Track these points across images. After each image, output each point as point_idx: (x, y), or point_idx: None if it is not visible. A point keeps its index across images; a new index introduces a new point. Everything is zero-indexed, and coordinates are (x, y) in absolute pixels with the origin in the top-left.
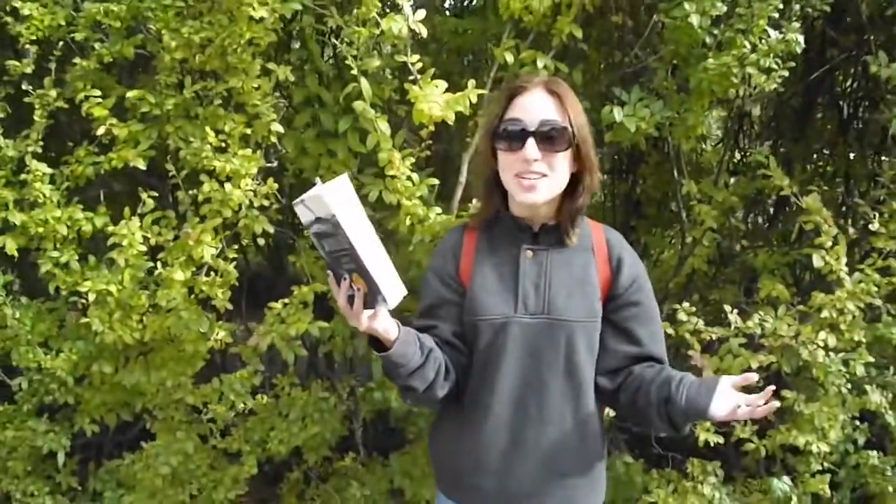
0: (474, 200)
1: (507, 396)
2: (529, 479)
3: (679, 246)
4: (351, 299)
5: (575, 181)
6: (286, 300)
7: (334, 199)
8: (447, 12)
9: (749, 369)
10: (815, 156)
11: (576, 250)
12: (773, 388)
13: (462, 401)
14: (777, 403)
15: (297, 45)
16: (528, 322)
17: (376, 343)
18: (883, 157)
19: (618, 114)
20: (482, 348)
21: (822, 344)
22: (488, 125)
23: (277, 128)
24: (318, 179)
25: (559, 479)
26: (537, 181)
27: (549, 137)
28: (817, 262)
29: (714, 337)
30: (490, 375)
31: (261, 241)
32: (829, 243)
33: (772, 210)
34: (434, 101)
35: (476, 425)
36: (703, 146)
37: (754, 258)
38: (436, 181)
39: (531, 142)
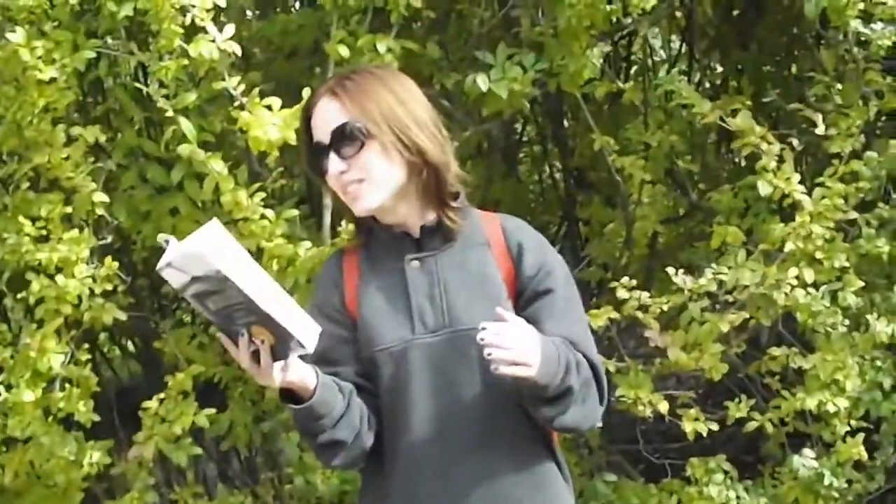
0: (343, 222)
1: (427, 430)
2: None
3: (623, 212)
4: (255, 355)
5: (418, 172)
6: (161, 395)
7: (212, 251)
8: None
9: (726, 338)
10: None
11: (468, 247)
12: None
13: (382, 450)
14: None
15: (105, 97)
16: (431, 341)
17: (291, 398)
18: (821, 43)
19: (482, 82)
20: (387, 382)
21: (796, 283)
22: (303, 158)
23: (101, 197)
24: (164, 238)
25: None
26: (357, 189)
27: (343, 142)
28: (763, 188)
29: (665, 308)
30: (402, 411)
31: (125, 341)
32: (773, 163)
33: (717, 143)
34: (268, 123)
35: (400, 474)
36: (622, 85)
37: (718, 202)
38: (295, 213)
39: (332, 156)
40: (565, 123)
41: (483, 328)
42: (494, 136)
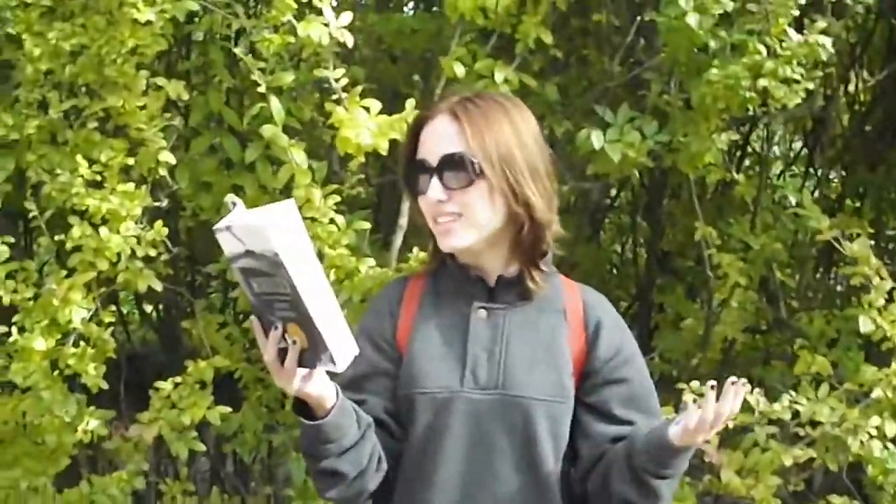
0: (415, 249)
1: (451, 493)
2: None
3: (706, 310)
4: (282, 353)
5: (517, 223)
6: (178, 379)
7: (278, 232)
8: (391, 7)
9: (785, 471)
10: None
11: (542, 311)
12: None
13: (392, 500)
14: (743, 388)
15: (193, 54)
16: (478, 398)
17: (303, 409)
18: None
19: (597, 140)
20: (420, 430)
21: (875, 433)
22: (400, 169)
23: (168, 157)
24: (231, 200)
25: None
26: (451, 223)
27: (451, 171)
28: (865, 325)
29: (731, 425)
30: (428, 465)
31: (147, 307)
32: (882, 301)
33: (818, 260)
34: (363, 125)
35: None
36: (735, 176)
37: (808, 324)
38: (367, 225)
39: (434, 182)
40: (664, 201)
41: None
42: (589, 197)
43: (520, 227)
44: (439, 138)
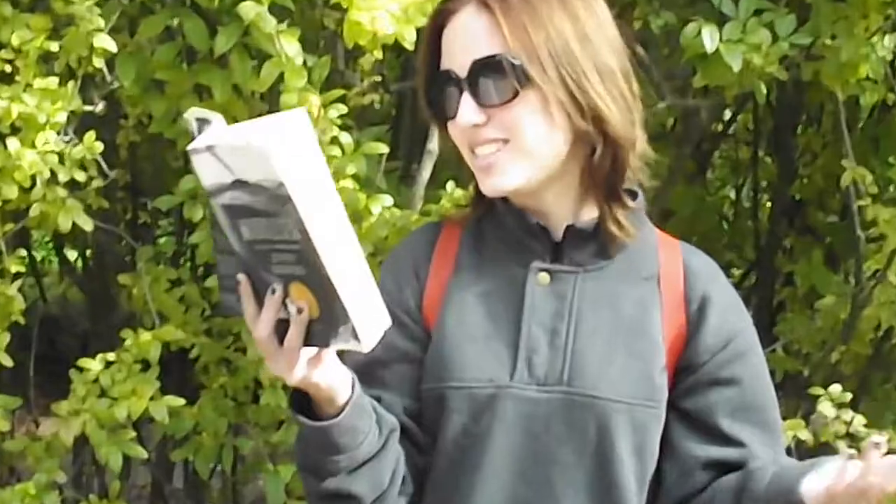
0: (449, 184)
1: None
2: None
3: (853, 284)
4: (280, 326)
5: (588, 144)
6: (111, 356)
7: (285, 153)
8: None
9: None
10: None
11: (628, 277)
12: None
13: None
14: None
15: None
16: (535, 397)
17: (305, 406)
18: None
19: (709, 39)
20: (453, 438)
21: None
22: (419, 85)
23: (106, 43)
24: (195, 115)
25: None
26: (495, 155)
27: (488, 82)
28: None
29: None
30: (464, 486)
31: (70, 253)
32: None
33: None
34: (382, 6)
35: None
36: None
37: None
38: (383, 148)
39: (466, 99)
40: (798, 130)
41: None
42: (694, 120)
43: (590, 151)
44: (467, 38)
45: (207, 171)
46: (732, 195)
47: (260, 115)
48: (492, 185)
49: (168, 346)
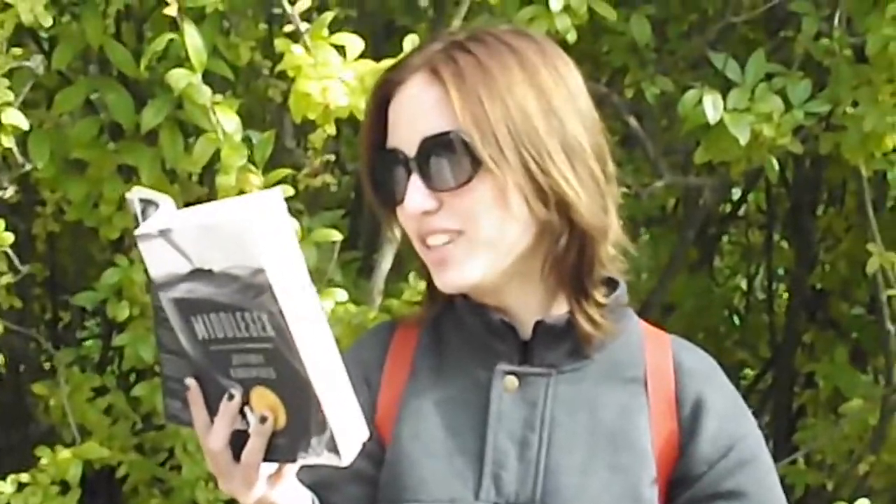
0: (412, 277)
1: None
2: None
3: (883, 385)
4: (238, 439)
5: (553, 234)
6: (23, 476)
7: (267, 241)
8: None
9: None
10: None
11: (608, 378)
12: None
13: None
14: None
15: None
16: None
17: None
18: None
19: (712, 108)
20: None
21: None
22: (363, 166)
23: (17, 119)
24: (139, 196)
25: None
26: (448, 248)
27: (438, 163)
28: None
29: None
30: None
31: None
32: None
33: None
34: (334, 75)
35: None
36: None
37: None
38: (337, 235)
39: (414, 182)
40: (818, 210)
41: None
42: (697, 200)
43: (555, 240)
44: (416, 113)
45: (158, 260)
46: (744, 285)
47: (199, 200)
48: (446, 281)
49: (91, 465)
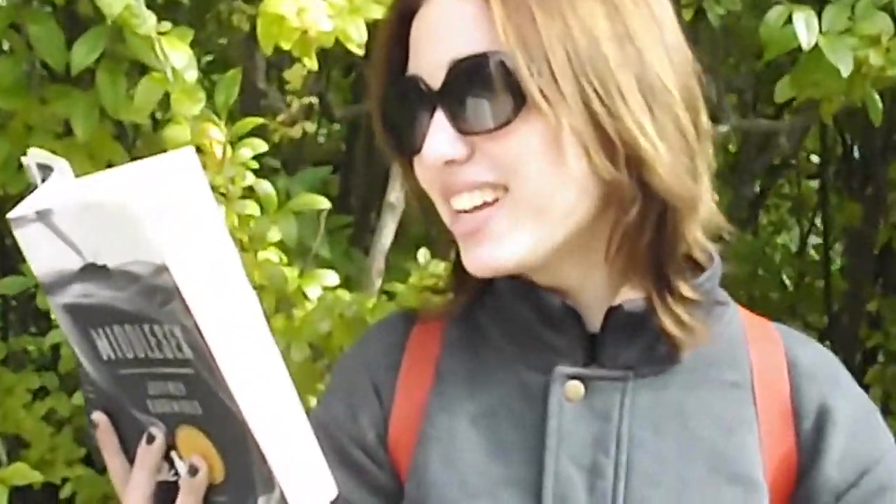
0: (421, 253)
1: None
2: None
3: None
4: (168, 493)
5: (623, 200)
6: None
7: (167, 221)
8: None
9: None
10: None
11: (705, 383)
12: None
13: None
14: None
15: None
16: None
17: None
18: None
19: (804, 29)
20: None
21: None
22: (374, 100)
23: None
24: (37, 159)
25: None
26: (479, 212)
27: (471, 96)
28: None
29: None
30: None
31: None
32: None
33: None
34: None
35: None
36: None
37: None
38: (323, 203)
39: (439, 121)
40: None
41: None
42: (760, 147)
43: (626, 207)
44: (445, 30)
45: (41, 253)
46: (794, 245)
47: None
48: (479, 260)
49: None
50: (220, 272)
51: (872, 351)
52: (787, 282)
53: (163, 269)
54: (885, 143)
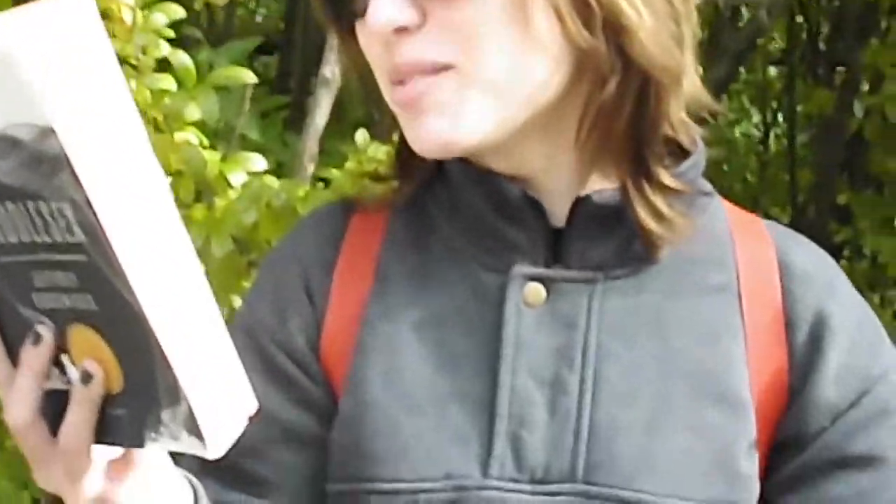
0: (360, 134)
1: None
2: None
3: None
4: (57, 402)
5: (598, 73)
6: None
7: (55, 74)
8: None
9: None
10: None
11: (684, 287)
12: None
13: None
14: None
15: None
16: (528, 502)
17: None
18: None
19: None
20: None
21: None
22: None
23: None
24: None
25: None
26: (431, 87)
27: None
28: None
29: None
30: None
31: None
32: None
33: None
34: None
35: None
36: None
37: None
38: (250, 76)
39: None
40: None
41: None
42: (735, 23)
43: (600, 84)
44: None
45: None
46: (757, 133)
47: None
48: (425, 136)
49: None
50: (118, 138)
51: (840, 247)
52: (749, 175)
53: (49, 131)
54: (860, 24)
